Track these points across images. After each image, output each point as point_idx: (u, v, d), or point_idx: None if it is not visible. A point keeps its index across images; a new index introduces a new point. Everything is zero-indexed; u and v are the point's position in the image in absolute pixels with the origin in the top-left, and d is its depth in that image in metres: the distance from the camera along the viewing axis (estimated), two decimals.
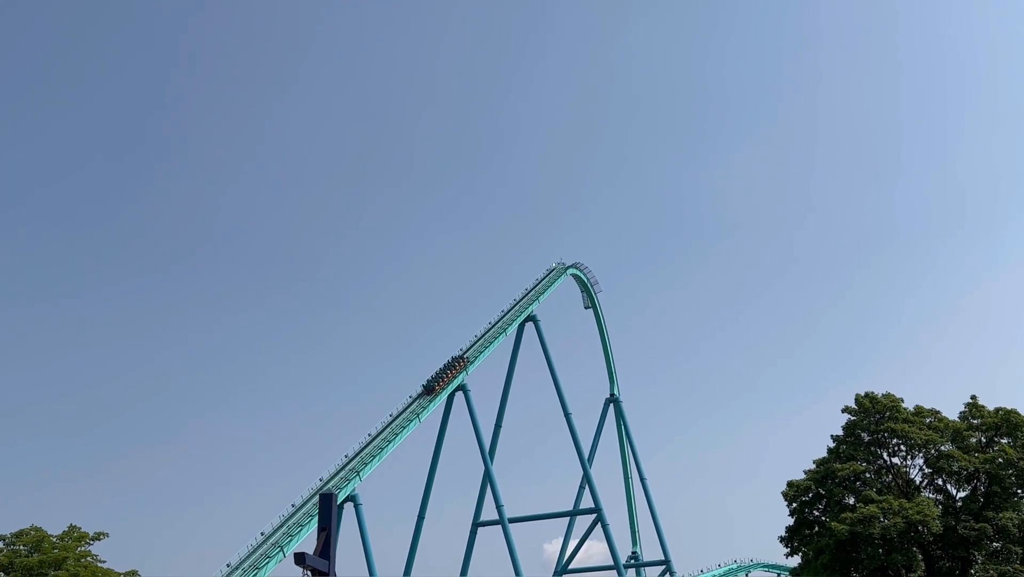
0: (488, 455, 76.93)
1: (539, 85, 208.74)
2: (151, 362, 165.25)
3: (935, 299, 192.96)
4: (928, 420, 48.41)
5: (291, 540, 53.72)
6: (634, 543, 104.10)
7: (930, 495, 47.20)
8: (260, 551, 53.99)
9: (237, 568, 52.46)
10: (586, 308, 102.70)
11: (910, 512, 43.22)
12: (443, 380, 73.68)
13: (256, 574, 51.29)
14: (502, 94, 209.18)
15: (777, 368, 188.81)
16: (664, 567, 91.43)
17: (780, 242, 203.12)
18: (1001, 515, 43.99)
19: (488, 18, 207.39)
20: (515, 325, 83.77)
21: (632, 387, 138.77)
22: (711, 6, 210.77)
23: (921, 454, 47.82)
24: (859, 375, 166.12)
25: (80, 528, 50.46)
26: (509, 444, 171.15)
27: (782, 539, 49.08)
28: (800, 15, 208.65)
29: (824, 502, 47.92)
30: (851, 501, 46.57)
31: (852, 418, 49.32)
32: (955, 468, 46.28)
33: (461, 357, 76.82)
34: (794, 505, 48.63)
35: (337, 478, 61.89)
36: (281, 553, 52.56)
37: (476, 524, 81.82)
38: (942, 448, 47.11)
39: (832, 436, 49.90)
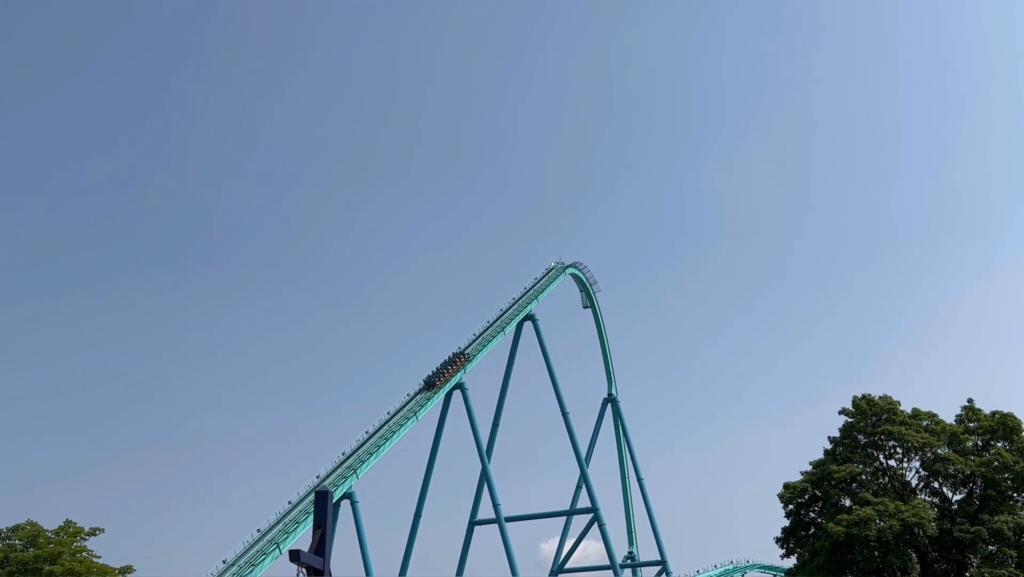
0: (485, 454, 76.97)
1: (539, 85, 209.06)
2: (149, 359, 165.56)
3: (933, 301, 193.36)
4: (925, 423, 48.42)
5: (287, 537, 53.80)
6: (631, 543, 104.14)
7: (926, 498, 47.18)
8: (256, 548, 54.08)
9: (233, 564, 52.52)
10: (585, 308, 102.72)
11: (906, 515, 43.23)
12: (444, 375, 73.74)
13: (252, 571, 51.35)
14: (502, 94, 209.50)
15: (776, 369, 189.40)
16: (660, 567, 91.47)
17: (779, 244, 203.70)
18: (996, 518, 44.02)
19: (488, 19, 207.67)
20: (514, 324, 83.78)
21: (630, 387, 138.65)
22: (711, 8, 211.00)
23: (917, 457, 47.80)
24: (859, 376, 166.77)
25: (76, 524, 50.52)
26: (506, 443, 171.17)
27: (778, 540, 49.06)
28: (799, 17, 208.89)
29: (820, 504, 47.89)
30: (847, 503, 46.54)
31: (849, 420, 49.29)
32: (951, 471, 46.28)
33: (462, 353, 76.87)
34: (790, 507, 48.60)
35: (334, 475, 61.91)
36: (277, 550, 52.64)
37: (473, 523, 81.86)
38: (938, 451, 47.12)
39: (829, 438, 49.89)
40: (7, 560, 47.58)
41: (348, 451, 65.29)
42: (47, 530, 49.86)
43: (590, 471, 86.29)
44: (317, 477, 62.09)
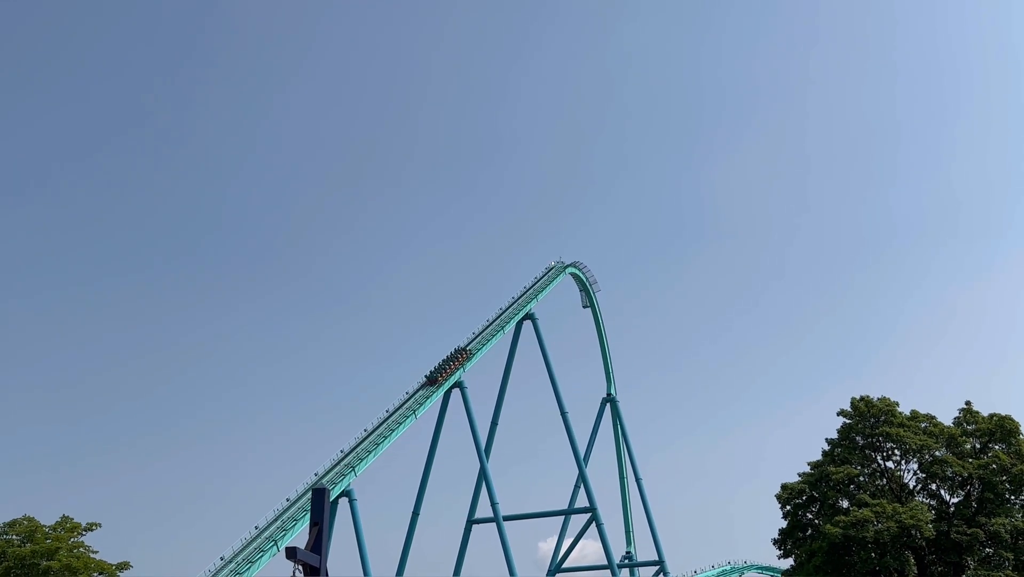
0: (484, 452, 77.02)
1: (538, 85, 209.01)
2: (147, 355, 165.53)
3: (932, 302, 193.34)
4: (923, 425, 48.44)
5: (285, 534, 53.77)
6: (628, 543, 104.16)
7: (924, 500, 47.20)
8: (254, 544, 54.09)
9: (231, 561, 52.55)
10: (584, 307, 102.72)
11: (903, 516, 43.27)
12: (446, 371, 73.87)
13: (249, 568, 51.36)
14: (501, 94, 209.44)
15: (774, 369, 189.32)
16: (658, 567, 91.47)
17: (778, 244, 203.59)
18: (994, 521, 44.05)
19: (486, 18, 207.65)
20: (513, 323, 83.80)
21: (629, 387, 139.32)
22: (709, 7, 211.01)
23: (915, 459, 47.82)
24: (858, 376, 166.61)
25: (73, 519, 50.58)
26: (505, 442, 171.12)
27: (775, 541, 49.08)
28: (798, 18, 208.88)
29: (818, 505, 47.91)
30: (844, 504, 46.56)
31: (847, 422, 49.32)
32: (949, 473, 46.30)
33: (464, 349, 76.95)
34: (787, 508, 48.63)
35: (333, 473, 61.95)
36: (275, 547, 52.62)
37: (471, 521, 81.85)
38: (936, 453, 47.15)
39: (827, 439, 49.90)
40: (4, 555, 47.62)
41: (347, 449, 65.35)
42: (44, 525, 49.89)
43: (588, 471, 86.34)
44: (315, 474, 62.14)
